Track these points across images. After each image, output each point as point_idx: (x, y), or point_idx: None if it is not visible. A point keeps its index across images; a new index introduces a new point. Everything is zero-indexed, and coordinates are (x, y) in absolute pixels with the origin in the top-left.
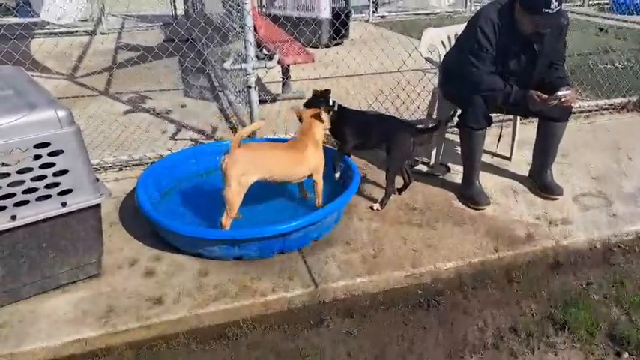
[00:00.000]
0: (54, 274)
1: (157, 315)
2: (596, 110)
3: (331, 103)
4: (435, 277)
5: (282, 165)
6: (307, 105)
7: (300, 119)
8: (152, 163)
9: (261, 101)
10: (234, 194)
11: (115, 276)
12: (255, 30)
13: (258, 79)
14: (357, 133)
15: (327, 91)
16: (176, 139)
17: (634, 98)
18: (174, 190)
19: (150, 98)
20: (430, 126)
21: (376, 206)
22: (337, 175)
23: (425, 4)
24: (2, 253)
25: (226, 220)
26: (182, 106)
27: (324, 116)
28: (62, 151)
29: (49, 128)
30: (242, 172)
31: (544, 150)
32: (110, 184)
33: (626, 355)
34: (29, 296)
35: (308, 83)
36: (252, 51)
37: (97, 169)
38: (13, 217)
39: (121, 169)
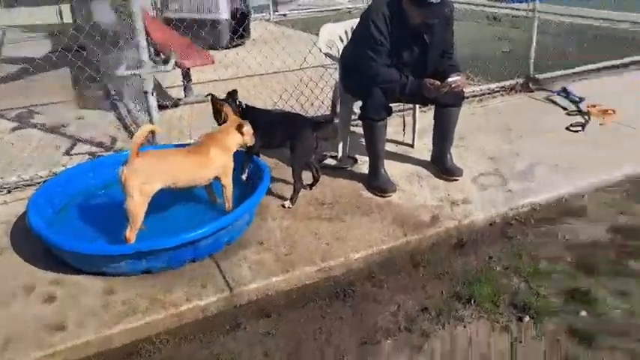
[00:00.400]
0: None
1: (62, 341)
2: (489, 93)
3: (238, 103)
4: (347, 269)
5: (186, 169)
6: (215, 108)
7: (216, 112)
8: (45, 181)
9: (163, 107)
10: (137, 205)
11: (11, 306)
12: (148, 34)
13: (159, 84)
14: (263, 132)
15: (235, 92)
16: (72, 154)
17: (521, 80)
18: (70, 206)
19: (39, 113)
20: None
21: (287, 204)
22: (244, 176)
23: (325, 0)
24: None
25: (130, 233)
26: (78, 119)
27: (247, 129)
28: None
29: None
30: (143, 180)
31: (442, 135)
32: None
33: (527, 318)
34: None
35: (209, 86)
36: (145, 55)
37: None
38: None
39: (9, 192)
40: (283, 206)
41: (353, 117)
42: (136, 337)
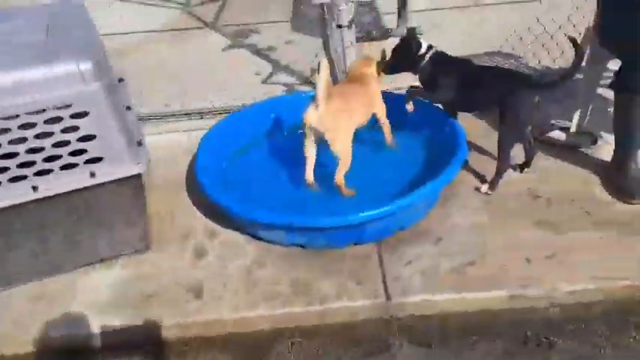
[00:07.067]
0: (93, 248)
1: (197, 311)
2: None
3: (424, 47)
4: (554, 303)
5: (366, 104)
6: (395, 50)
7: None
8: (231, 112)
9: (372, 38)
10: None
11: (162, 253)
12: None
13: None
14: (457, 86)
15: (413, 30)
16: (268, 83)
17: None
18: (244, 152)
19: (256, 32)
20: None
21: (484, 188)
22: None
23: None
24: (30, 226)
25: (340, 176)
26: (286, 43)
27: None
28: (87, 113)
29: (70, 85)
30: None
31: None
32: (184, 135)
33: None
34: (71, 270)
35: (433, 15)
36: None
37: (175, 116)
38: (35, 188)
39: (201, 117)
40: (478, 190)
41: (604, 80)
42: (269, 326)
